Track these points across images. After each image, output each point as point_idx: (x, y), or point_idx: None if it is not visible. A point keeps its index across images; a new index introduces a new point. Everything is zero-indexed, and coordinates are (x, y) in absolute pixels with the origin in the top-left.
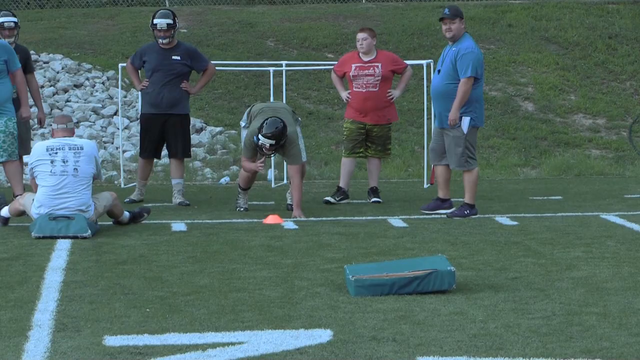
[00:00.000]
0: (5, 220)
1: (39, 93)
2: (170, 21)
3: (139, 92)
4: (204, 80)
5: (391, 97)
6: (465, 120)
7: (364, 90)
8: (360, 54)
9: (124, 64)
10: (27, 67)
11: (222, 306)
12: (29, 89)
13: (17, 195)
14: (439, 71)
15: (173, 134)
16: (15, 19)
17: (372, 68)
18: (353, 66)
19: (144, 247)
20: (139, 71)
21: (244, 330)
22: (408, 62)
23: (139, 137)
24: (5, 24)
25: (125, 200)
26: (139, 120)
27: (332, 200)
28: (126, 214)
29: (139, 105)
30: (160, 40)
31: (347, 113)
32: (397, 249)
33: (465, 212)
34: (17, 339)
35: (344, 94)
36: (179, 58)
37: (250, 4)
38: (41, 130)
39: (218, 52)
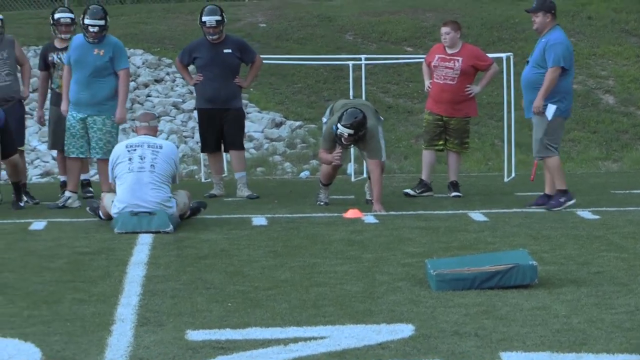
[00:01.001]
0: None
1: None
2: (218, 18)
3: (193, 87)
4: (253, 72)
5: (470, 92)
6: (551, 108)
7: (441, 82)
8: (445, 47)
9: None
10: None
11: (303, 301)
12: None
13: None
14: (528, 62)
15: (230, 127)
16: (71, 15)
17: (452, 61)
18: (436, 56)
19: (225, 241)
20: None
21: (325, 324)
22: (488, 55)
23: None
24: (62, 20)
25: (205, 195)
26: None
27: (411, 192)
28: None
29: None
30: (209, 37)
31: (427, 104)
32: (478, 243)
33: (561, 200)
34: (100, 333)
35: (426, 83)
36: (230, 51)
37: None
38: (122, 125)
39: (297, 46)
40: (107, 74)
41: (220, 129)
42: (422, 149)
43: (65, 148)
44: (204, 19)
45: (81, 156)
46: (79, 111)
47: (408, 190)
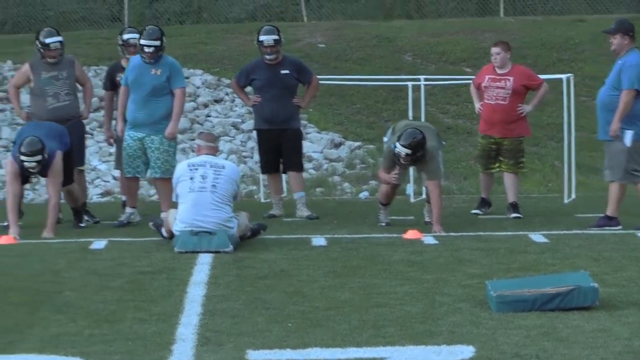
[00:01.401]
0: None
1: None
2: (276, 37)
3: (252, 107)
4: (311, 92)
5: (522, 112)
6: (628, 134)
7: (493, 102)
8: (495, 67)
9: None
10: None
11: (363, 321)
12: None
13: (162, 211)
14: (604, 83)
15: (289, 148)
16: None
17: (503, 81)
18: (486, 77)
19: (285, 261)
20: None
21: (385, 345)
22: (546, 76)
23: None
24: (131, 41)
25: (265, 215)
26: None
27: (480, 212)
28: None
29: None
30: (267, 57)
31: (479, 127)
32: (539, 264)
33: (610, 223)
34: (161, 352)
35: (476, 105)
36: (287, 72)
37: (387, 18)
38: (182, 145)
39: (356, 66)
40: (164, 93)
41: (279, 149)
42: (480, 171)
43: (123, 168)
44: (261, 38)
45: (137, 176)
46: (137, 131)
47: (476, 211)
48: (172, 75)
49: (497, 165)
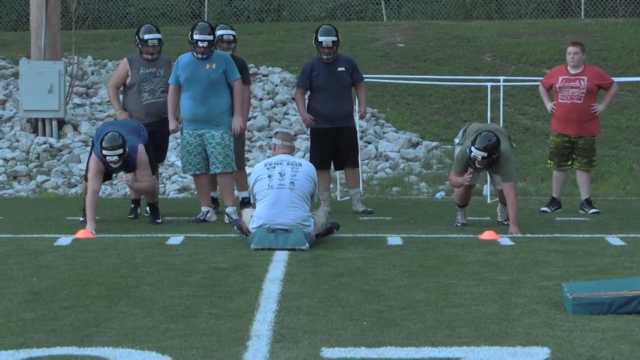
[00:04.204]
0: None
1: (248, 105)
2: (334, 38)
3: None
4: (363, 98)
5: (595, 111)
6: None
7: (568, 102)
8: (569, 67)
9: None
10: (242, 78)
11: (438, 321)
12: None
13: (227, 206)
14: None
15: (347, 146)
16: (233, 32)
17: (578, 81)
18: (560, 78)
19: (360, 260)
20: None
21: (460, 346)
22: (627, 79)
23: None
24: (224, 37)
25: None
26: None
27: (548, 210)
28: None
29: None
30: (324, 56)
31: (552, 126)
32: (615, 267)
33: None
34: (236, 348)
35: (549, 105)
36: (344, 69)
37: (467, 18)
38: (259, 142)
39: (435, 66)
40: (222, 87)
41: (334, 146)
42: (553, 169)
43: (182, 165)
44: (321, 39)
45: (198, 172)
46: (196, 127)
47: (545, 209)
48: (227, 68)
49: (570, 163)
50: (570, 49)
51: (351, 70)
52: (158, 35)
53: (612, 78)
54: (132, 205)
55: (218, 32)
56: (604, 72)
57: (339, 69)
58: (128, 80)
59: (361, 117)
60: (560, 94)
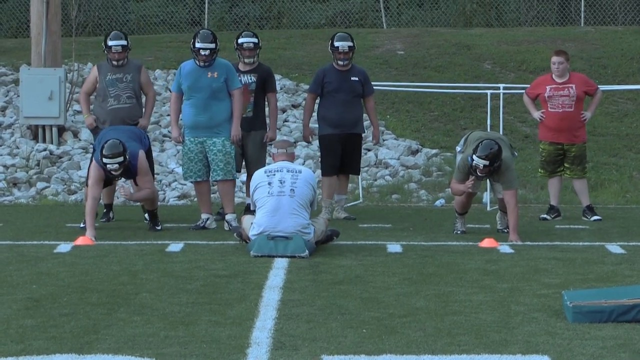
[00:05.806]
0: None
1: (276, 112)
2: (350, 44)
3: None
4: (372, 113)
5: (584, 118)
6: None
7: (560, 111)
8: (554, 76)
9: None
10: (267, 86)
11: (438, 329)
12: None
13: (227, 214)
14: None
15: (351, 152)
16: (255, 40)
17: (567, 89)
18: (547, 88)
19: (360, 267)
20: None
21: (460, 354)
22: (627, 87)
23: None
24: (245, 45)
25: None
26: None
27: (548, 217)
28: None
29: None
30: (340, 63)
31: (541, 135)
32: (615, 275)
33: None
34: (236, 355)
35: (536, 114)
36: (357, 79)
37: (467, 26)
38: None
39: (434, 74)
40: (223, 96)
41: (341, 153)
42: (547, 177)
43: (183, 173)
44: (337, 44)
45: (199, 180)
46: (197, 135)
47: (545, 216)
48: (228, 76)
49: (561, 169)
50: (555, 59)
51: (363, 81)
52: (123, 42)
53: (613, 86)
54: (105, 210)
55: (239, 40)
56: (588, 77)
57: (352, 78)
58: (97, 86)
59: (375, 142)
60: (550, 103)
